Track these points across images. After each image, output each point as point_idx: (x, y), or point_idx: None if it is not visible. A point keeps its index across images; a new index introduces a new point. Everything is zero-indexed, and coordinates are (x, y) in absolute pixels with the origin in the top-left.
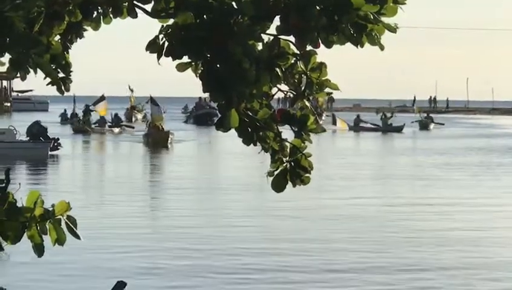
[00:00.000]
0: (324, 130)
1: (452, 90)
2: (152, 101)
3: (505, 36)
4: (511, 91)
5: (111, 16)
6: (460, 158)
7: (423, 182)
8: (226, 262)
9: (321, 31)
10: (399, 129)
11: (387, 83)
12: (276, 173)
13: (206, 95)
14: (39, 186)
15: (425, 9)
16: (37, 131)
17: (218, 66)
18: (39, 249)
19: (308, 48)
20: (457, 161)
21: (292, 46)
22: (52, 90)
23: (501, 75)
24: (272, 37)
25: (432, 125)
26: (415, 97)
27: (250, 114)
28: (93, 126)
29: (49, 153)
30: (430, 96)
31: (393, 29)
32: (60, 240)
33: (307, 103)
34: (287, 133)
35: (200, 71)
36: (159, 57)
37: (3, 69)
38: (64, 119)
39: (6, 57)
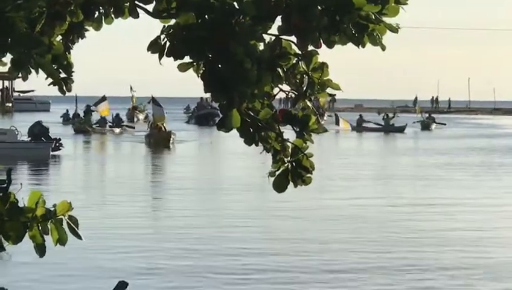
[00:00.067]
0: (325, 130)
1: (454, 90)
2: (154, 101)
3: (507, 36)
4: None
5: (112, 16)
6: (462, 158)
7: (425, 182)
8: (226, 262)
9: (323, 31)
10: (401, 129)
11: (388, 83)
12: (277, 173)
13: (208, 95)
14: (41, 187)
15: (427, 9)
16: (38, 131)
17: (219, 66)
18: (41, 249)
19: (310, 48)
20: (459, 161)
21: (294, 46)
22: (54, 91)
23: (503, 75)
24: (273, 37)
25: (433, 126)
26: (416, 97)
27: (252, 114)
28: (94, 126)
29: (51, 153)
30: (432, 97)
31: (395, 29)
32: (61, 240)
33: (309, 103)
34: (289, 133)
35: (201, 71)
36: (160, 57)
37: (5, 69)
38: (66, 119)
39: (8, 57)
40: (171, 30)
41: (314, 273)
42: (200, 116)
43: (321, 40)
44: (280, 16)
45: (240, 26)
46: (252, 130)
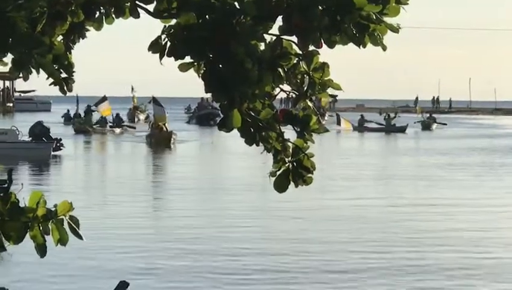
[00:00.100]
0: (327, 130)
1: (455, 91)
2: (155, 101)
3: (508, 36)
4: None
5: (113, 16)
6: (463, 158)
7: (426, 183)
8: (227, 262)
9: (323, 31)
10: (402, 129)
11: (389, 83)
12: (278, 173)
13: (209, 95)
14: (42, 187)
15: (428, 9)
16: (39, 131)
17: (220, 66)
18: (42, 250)
19: (311, 48)
20: (460, 161)
21: (294, 46)
22: (55, 91)
23: (503, 75)
24: (274, 37)
25: (434, 126)
26: (417, 97)
27: (253, 114)
28: (94, 126)
29: (52, 153)
30: (433, 97)
31: (395, 29)
32: (62, 240)
33: (310, 103)
34: (290, 133)
35: (202, 71)
36: (161, 57)
37: (6, 69)
38: (67, 119)
39: (9, 57)
40: (172, 30)
41: (315, 273)
42: (200, 116)
43: (322, 40)
44: (281, 16)
45: (240, 26)
46: (252, 130)
